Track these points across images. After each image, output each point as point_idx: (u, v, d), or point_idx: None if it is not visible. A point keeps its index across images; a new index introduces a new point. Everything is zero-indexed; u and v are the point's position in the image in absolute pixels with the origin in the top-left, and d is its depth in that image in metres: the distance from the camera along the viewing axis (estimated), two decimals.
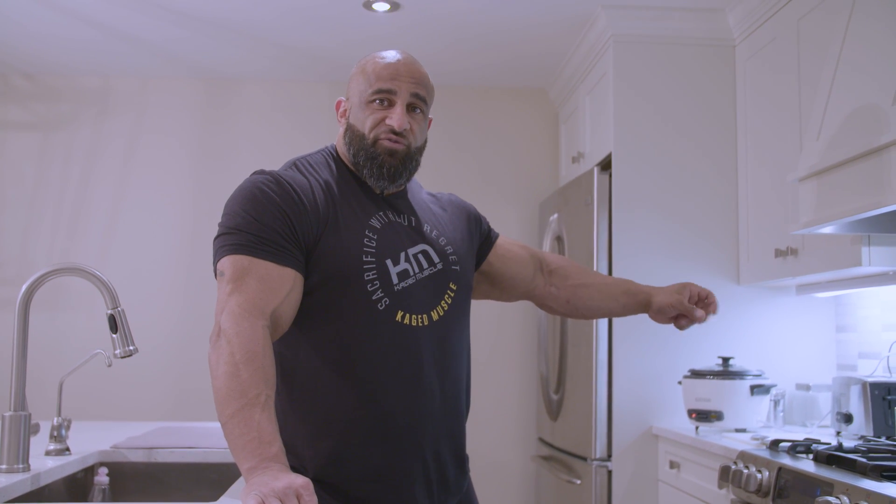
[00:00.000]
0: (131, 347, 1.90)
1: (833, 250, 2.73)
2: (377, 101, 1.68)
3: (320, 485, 1.56)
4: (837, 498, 1.87)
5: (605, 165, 3.64)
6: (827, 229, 2.51)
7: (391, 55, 1.71)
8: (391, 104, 1.68)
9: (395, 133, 1.66)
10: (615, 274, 3.43)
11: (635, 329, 3.42)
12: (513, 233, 4.62)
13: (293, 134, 4.52)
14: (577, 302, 2.00)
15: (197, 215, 4.50)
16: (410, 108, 1.69)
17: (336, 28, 3.88)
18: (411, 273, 1.66)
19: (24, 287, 1.83)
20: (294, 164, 1.72)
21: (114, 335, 1.89)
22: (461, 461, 1.74)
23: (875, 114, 2.21)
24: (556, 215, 3.99)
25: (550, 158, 4.70)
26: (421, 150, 1.74)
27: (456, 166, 4.63)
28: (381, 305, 1.61)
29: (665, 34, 3.54)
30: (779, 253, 3.03)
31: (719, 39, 3.53)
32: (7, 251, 4.47)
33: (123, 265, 4.41)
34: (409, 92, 1.68)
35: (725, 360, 3.12)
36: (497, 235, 1.98)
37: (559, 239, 3.93)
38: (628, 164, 3.50)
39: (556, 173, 4.66)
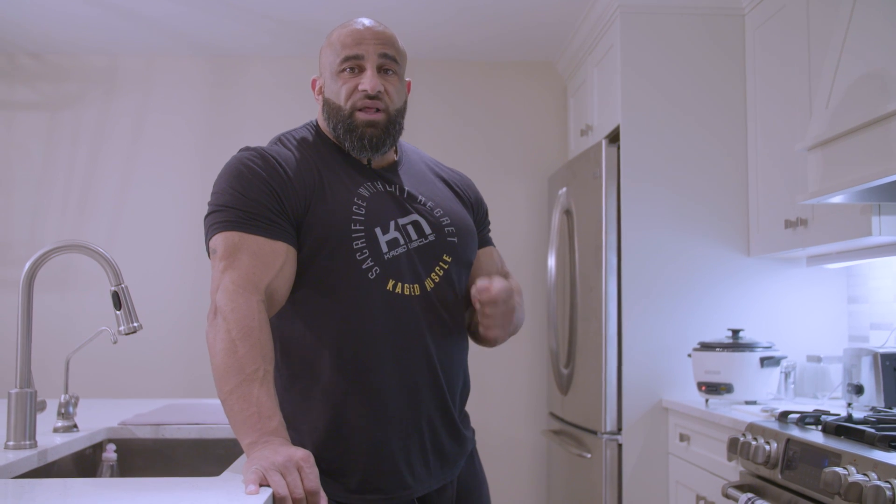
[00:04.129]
0: (135, 324, 1.90)
1: (843, 220, 2.70)
2: (347, 70, 1.67)
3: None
4: (845, 468, 1.86)
5: (614, 138, 3.62)
6: (836, 199, 2.48)
7: (355, 22, 1.70)
8: (361, 70, 1.67)
9: (369, 98, 1.64)
10: (624, 248, 3.42)
11: (644, 302, 3.40)
12: (522, 207, 4.61)
13: (298, 110, 4.47)
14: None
15: (205, 194, 4.46)
16: (382, 70, 1.68)
17: (336, 1, 3.85)
18: (401, 242, 1.64)
19: (27, 265, 1.83)
20: (279, 140, 1.72)
21: (118, 312, 1.89)
22: (458, 433, 1.73)
23: (884, 80, 2.17)
24: (564, 189, 3.97)
25: (559, 132, 4.67)
26: (401, 112, 1.73)
27: (464, 142, 4.60)
28: (371, 274, 1.60)
29: (673, 4, 3.50)
30: (788, 224, 3.01)
31: (728, 9, 3.49)
32: (16, 231, 4.48)
33: (133, 244, 4.42)
34: (377, 53, 1.67)
35: (735, 332, 3.10)
36: (488, 242, 1.90)
37: (568, 213, 3.91)
38: (636, 136, 3.47)
39: (565, 147, 4.64)
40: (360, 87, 1.65)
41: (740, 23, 3.50)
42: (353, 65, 1.66)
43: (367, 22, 1.70)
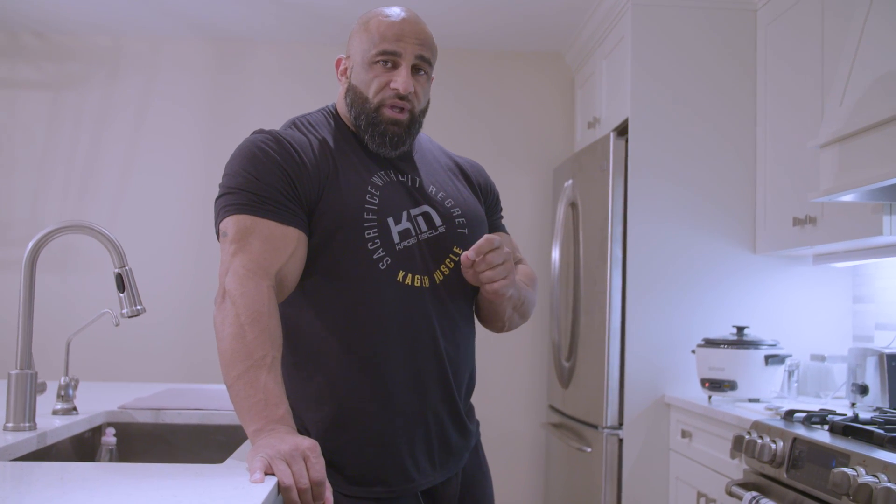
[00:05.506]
0: (139, 307, 1.87)
1: (853, 219, 2.67)
2: (381, 63, 1.63)
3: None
4: (854, 469, 1.84)
5: (622, 131, 3.59)
6: (847, 197, 2.46)
7: (395, 13, 1.66)
8: (395, 66, 1.64)
9: (399, 97, 1.62)
10: (630, 241, 3.39)
11: (648, 296, 3.38)
12: (526, 199, 4.58)
13: (303, 96, 4.46)
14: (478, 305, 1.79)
15: (208, 177, 4.46)
16: (415, 69, 1.65)
17: None
18: (412, 233, 1.62)
19: (30, 245, 1.80)
20: (293, 123, 1.69)
21: (121, 294, 1.86)
22: (463, 426, 1.71)
23: None
24: (570, 181, 3.95)
25: (565, 124, 4.64)
26: (424, 112, 1.71)
27: (469, 132, 4.57)
28: (382, 265, 1.58)
29: None
30: (797, 221, 2.98)
31: (740, 3, 3.46)
32: (18, 212, 4.45)
33: (134, 228, 4.39)
34: (415, 54, 1.64)
35: (740, 329, 3.08)
36: (499, 228, 1.90)
37: (573, 205, 3.88)
38: (645, 129, 3.44)
39: (571, 139, 4.61)
40: (392, 86, 1.62)
41: (752, 18, 3.46)
42: (389, 59, 1.63)
43: (407, 15, 1.66)
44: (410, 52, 1.63)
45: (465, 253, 1.60)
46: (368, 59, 1.64)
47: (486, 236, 1.60)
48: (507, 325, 1.81)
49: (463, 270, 1.62)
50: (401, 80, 1.62)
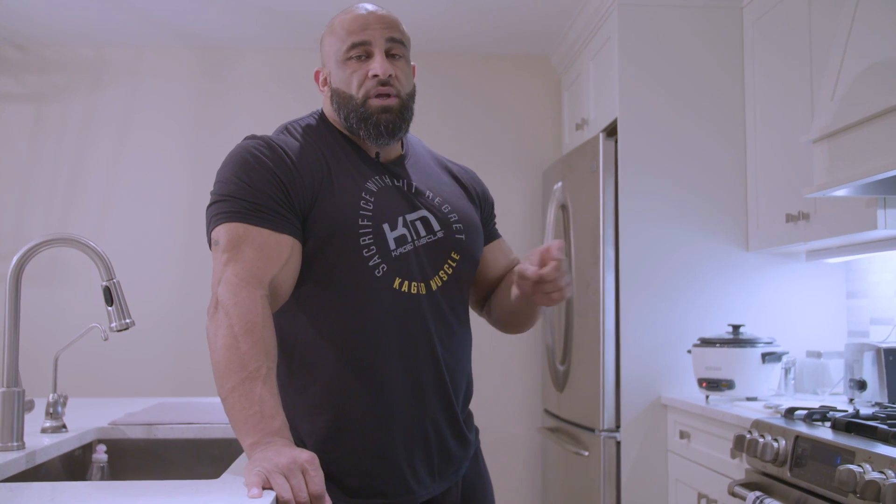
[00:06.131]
0: (127, 320, 1.83)
1: (847, 214, 2.66)
2: (354, 57, 1.61)
3: None
4: (860, 466, 1.82)
5: (611, 132, 3.57)
6: (841, 192, 2.44)
7: (358, 8, 1.66)
8: (369, 55, 1.61)
9: (382, 84, 1.59)
10: (622, 242, 3.37)
11: (642, 296, 3.36)
12: (516, 202, 4.55)
13: (289, 103, 4.42)
14: (491, 307, 1.82)
15: (195, 187, 4.42)
16: (390, 54, 1.63)
17: None
18: (409, 239, 1.59)
19: (15, 258, 1.76)
20: (286, 129, 1.66)
21: (109, 308, 1.82)
22: (462, 435, 1.68)
23: (892, 71, 2.13)
24: (560, 183, 3.92)
25: (553, 126, 4.62)
26: (412, 96, 1.68)
27: (457, 135, 4.55)
28: (378, 272, 1.54)
29: None
30: (790, 218, 2.97)
31: (726, 1, 3.44)
32: (1, 226, 4.40)
33: (121, 240, 4.35)
34: (385, 38, 1.62)
35: (736, 327, 3.06)
36: (495, 235, 1.87)
37: (563, 208, 3.86)
38: (635, 129, 3.42)
39: (559, 141, 4.59)
40: (371, 73, 1.60)
41: (738, 16, 3.45)
42: (361, 51, 1.61)
43: (370, 7, 1.65)
44: (379, 36, 1.61)
45: (525, 269, 1.53)
46: (341, 57, 1.62)
47: (556, 241, 1.54)
48: (527, 327, 1.80)
49: (519, 282, 1.56)
50: (377, 64, 1.59)
